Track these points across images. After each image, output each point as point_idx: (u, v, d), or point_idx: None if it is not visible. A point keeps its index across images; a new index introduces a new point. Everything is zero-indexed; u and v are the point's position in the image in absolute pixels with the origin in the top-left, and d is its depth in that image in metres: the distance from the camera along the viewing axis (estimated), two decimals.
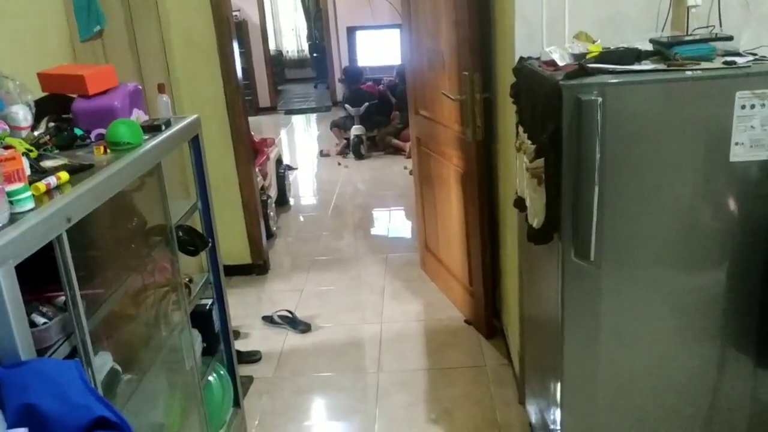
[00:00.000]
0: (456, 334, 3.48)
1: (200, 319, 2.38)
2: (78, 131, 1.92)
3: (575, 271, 1.92)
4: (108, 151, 1.80)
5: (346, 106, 7.32)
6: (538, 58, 2.27)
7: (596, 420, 2.08)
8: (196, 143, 2.29)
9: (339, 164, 7.11)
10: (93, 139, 1.93)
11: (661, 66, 1.87)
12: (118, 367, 1.66)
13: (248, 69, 10.18)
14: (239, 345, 3.49)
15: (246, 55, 10.13)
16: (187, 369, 2.13)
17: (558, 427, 2.13)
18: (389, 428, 2.78)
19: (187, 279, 2.31)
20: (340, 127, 7.56)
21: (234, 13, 9.89)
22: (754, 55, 1.95)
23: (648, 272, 1.93)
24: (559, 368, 2.04)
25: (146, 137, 1.94)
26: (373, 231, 5.22)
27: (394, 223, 5.34)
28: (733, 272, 1.93)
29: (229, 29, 3.94)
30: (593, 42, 2.18)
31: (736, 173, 1.83)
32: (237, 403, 2.63)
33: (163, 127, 2.03)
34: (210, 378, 2.48)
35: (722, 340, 2.00)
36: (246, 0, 10.06)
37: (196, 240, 2.16)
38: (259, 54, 10.32)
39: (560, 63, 2.05)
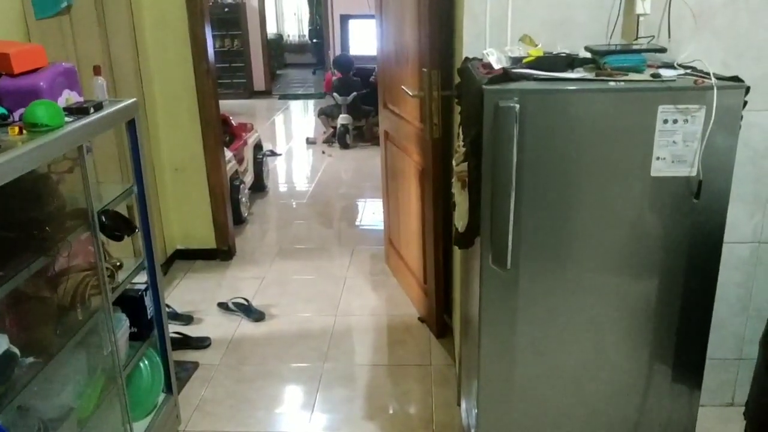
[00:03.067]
0: (408, 332, 3.47)
1: (131, 303, 2.38)
2: (0, 110, 1.90)
3: (493, 277, 1.90)
4: (24, 132, 1.79)
5: (334, 94, 7.29)
6: (481, 60, 2.24)
7: (510, 425, 2.07)
8: (132, 127, 2.27)
9: (323, 153, 7.09)
10: (16, 119, 1.92)
11: (590, 75, 1.84)
12: (16, 350, 1.65)
13: (244, 52, 10.16)
14: (191, 330, 3.50)
15: (242, 38, 10.12)
16: (105, 354, 2.12)
17: (474, 430, 2.12)
18: (324, 422, 2.78)
19: (118, 263, 2.30)
20: (327, 115, 7.53)
21: None
22: (689, 68, 1.92)
23: (566, 283, 1.91)
24: (477, 372, 2.03)
25: (69, 119, 1.92)
26: (346, 222, 5.21)
27: (368, 215, 5.32)
28: (653, 286, 1.91)
29: (202, 11, 3.91)
30: (535, 46, 2.15)
31: (656, 188, 1.80)
32: (169, 389, 2.62)
33: (92, 110, 2.01)
34: (141, 363, 2.47)
35: (640, 353, 1.98)
36: None
37: (121, 225, 2.14)
38: (256, 37, 10.29)
39: (496, 66, 2.01)
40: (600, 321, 1.95)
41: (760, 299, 2.62)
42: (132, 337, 2.41)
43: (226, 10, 9.94)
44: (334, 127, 7.32)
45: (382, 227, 4.77)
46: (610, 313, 1.95)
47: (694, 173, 1.78)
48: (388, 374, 3.11)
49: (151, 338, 2.51)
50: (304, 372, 3.13)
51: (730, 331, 2.67)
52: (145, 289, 2.45)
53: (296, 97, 10.62)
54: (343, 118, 7.16)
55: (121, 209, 2.36)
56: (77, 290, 1.98)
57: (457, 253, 3.02)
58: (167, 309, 3.56)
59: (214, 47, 10.33)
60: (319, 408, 2.87)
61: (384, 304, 3.78)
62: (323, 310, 3.70)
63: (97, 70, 2.22)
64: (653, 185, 1.80)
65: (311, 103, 10.15)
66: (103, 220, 2.06)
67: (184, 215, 4.27)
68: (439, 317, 3.38)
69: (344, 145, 7.16)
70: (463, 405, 2.60)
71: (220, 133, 4.27)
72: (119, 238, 2.16)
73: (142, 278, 2.48)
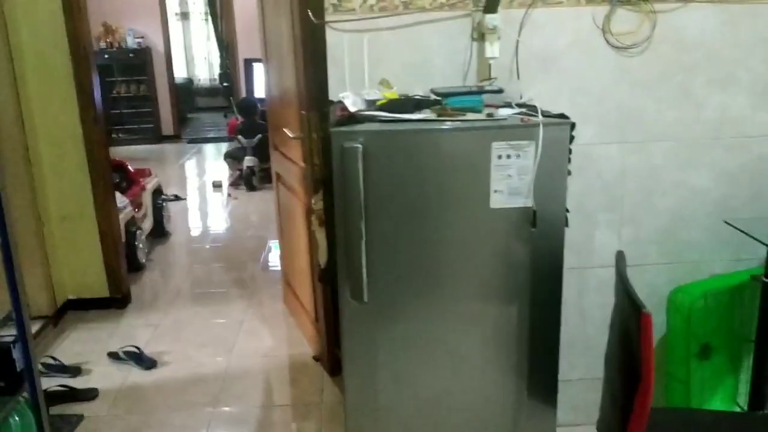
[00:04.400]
0: (301, 371, 3.49)
1: None
2: None
3: (352, 311, 1.97)
4: None
5: (239, 137, 7.32)
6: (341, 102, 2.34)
7: None
8: None
9: (229, 195, 7.08)
10: None
11: (432, 116, 1.96)
12: None
13: (151, 97, 10.08)
14: (78, 382, 3.40)
15: (149, 83, 10.04)
16: None
17: None
18: None
19: None
20: (233, 157, 7.54)
21: (137, 40, 9.84)
22: (526, 106, 2.07)
23: (423, 312, 2.00)
24: (344, 407, 2.08)
25: None
26: (249, 264, 5.19)
27: (271, 256, 5.32)
28: (504, 311, 2.02)
29: (87, 58, 3.88)
30: (391, 89, 2.27)
31: (497, 219, 1.92)
32: None
33: None
34: (10, 419, 2.39)
35: (498, 377, 2.08)
36: (151, 27, 9.99)
37: None
38: (163, 82, 10.22)
39: (351, 108, 2.11)
40: (458, 347, 2.05)
41: None
42: (0, 391, 2.34)
43: (131, 55, 9.85)
44: (241, 170, 7.32)
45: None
46: (468, 339, 2.05)
47: (530, 203, 1.91)
48: (279, 414, 3.11)
49: (21, 392, 2.44)
50: (193, 418, 3.09)
51: (599, 351, 2.80)
52: (14, 342, 2.39)
53: (207, 140, 10.56)
54: (248, 161, 7.18)
55: None
56: None
57: None
58: (53, 361, 3.48)
59: (120, 93, 10.18)
60: None
61: (280, 344, 3.78)
62: (217, 353, 3.67)
63: None
64: (493, 216, 1.92)
65: (223, 146, 10.09)
66: None
67: (75, 264, 4.17)
68: (332, 355, 3.41)
69: (251, 188, 7.17)
70: None
71: (110, 180, 4.22)
72: None
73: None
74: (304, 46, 2.98)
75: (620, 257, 1.93)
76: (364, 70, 2.43)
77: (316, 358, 3.57)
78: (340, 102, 2.37)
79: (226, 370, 3.50)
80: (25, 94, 3.81)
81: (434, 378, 2.06)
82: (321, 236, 2.06)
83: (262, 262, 5.19)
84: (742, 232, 2.33)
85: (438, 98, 2.11)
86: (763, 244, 2.19)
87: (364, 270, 1.89)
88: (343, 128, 1.85)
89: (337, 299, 3.33)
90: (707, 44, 2.50)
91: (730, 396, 2.72)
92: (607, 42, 2.49)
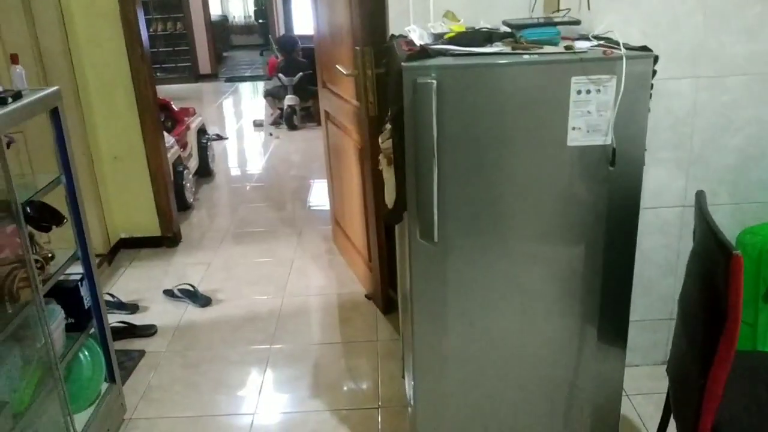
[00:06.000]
0: (355, 309, 3.51)
1: (65, 294, 2.35)
2: None
3: (422, 251, 1.94)
4: None
5: (280, 75, 7.23)
6: (405, 37, 2.26)
7: (446, 396, 2.12)
8: (56, 116, 2.23)
9: (270, 135, 7.05)
10: None
11: (506, 49, 1.88)
12: None
13: (188, 35, 10.00)
14: (137, 319, 3.47)
15: (185, 20, 9.94)
16: (38, 346, 2.10)
17: (412, 402, 2.17)
18: (271, 402, 2.80)
19: (49, 254, 2.27)
20: (274, 96, 7.48)
21: None
22: (603, 39, 1.97)
23: (493, 252, 1.96)
24: (411, 344, 2.08)
25: None
26: (294, 204, 5.20)
27: (315, 195, 5.32)
28: (576, 251, 1.97)
29: None
30: (457, 21, 2.18)
31: (574, 157, 1.85)
32: (112, 379, 2.61)
33: (9, 100, 1.97)
34: (80, 354, 2.45)
35: (568, 317, 2.05)
36: None
37: (48, 216, 2.12)
38: (199, 19, 10.11)
39: (418, 42, 2.04)
40: (528, 288, 2.01)
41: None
42: (70, 328, 2.39)
43: None
44: (281, 109, 7.27)
45: (329, 208, 4.77)
46: (538, 279, 2.01)
47: (608, 141, 1.84)
48: (335, 352, 3.15)
49: (90, 328, 2.49)
50: (251, 354, 3.15)
51: (659, 292, 2.76)
52: (81, 280, 2.43)
53: (243, 79, 10.49)
54: (289, 99, 7.11)
55: (59, 199, 2.33)
56: (4, 284, 1.96)
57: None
58: (112, 298, 3.55)
59: (157, 31, 10.11)
60: (266, 389, 2.89)
61: (331, 283, 3.81)
62: (270, 292, 3.71)
63: (14, 59, 2.16)
64: (571, 155, 1.85)
65: (260, 85, 10.04)
66: (28, 211, 2.03)
67: (126, 204, 4.22)
68: (385, 293, 3.42)
69: (292, 127, 7.12)
70: (406, 377, 2.65)
71: (159, 119, 4.21)
72: (47, 229, 2.13)
73: (79, 269, 2.46)
74: None
75: (701, 197, 1.85)
76: (426, 2, 2.33)
77: (368, 297, 3.59)
78: (403, 36, 2.30)
79: (281, 308, 3.53)
80: (72, 33, 3.78)
81: (503, 318, 2.03)
82: (389, 176, 2.02)
83: (309, 202, 5.19)
84: None
85: (510, 31, 2.02)
86: None
87: (436, 210, 1.85)
88: (415, 63, 1.78)
89: (392, 239, 3.34)
90: None
91: None
92: None
